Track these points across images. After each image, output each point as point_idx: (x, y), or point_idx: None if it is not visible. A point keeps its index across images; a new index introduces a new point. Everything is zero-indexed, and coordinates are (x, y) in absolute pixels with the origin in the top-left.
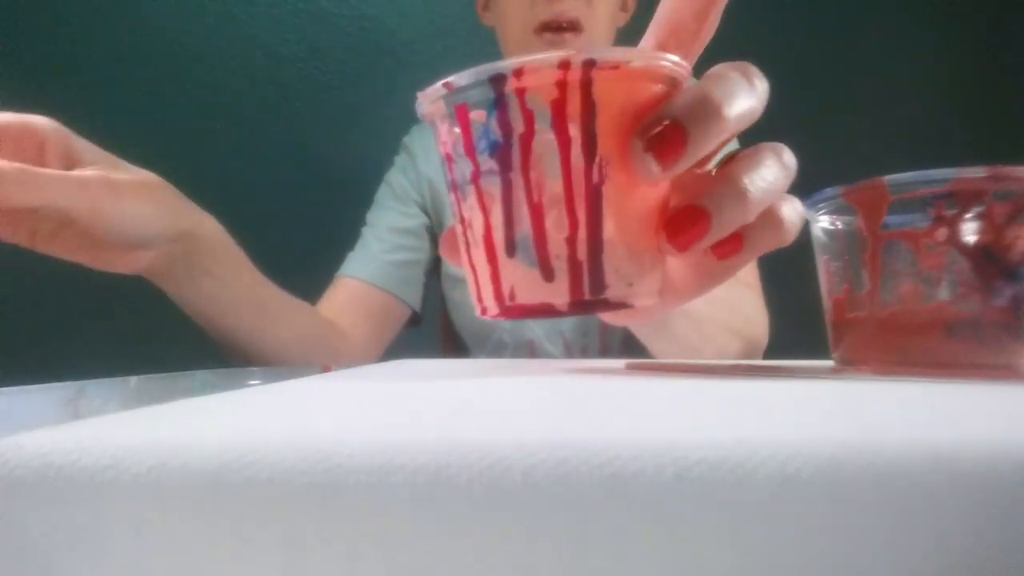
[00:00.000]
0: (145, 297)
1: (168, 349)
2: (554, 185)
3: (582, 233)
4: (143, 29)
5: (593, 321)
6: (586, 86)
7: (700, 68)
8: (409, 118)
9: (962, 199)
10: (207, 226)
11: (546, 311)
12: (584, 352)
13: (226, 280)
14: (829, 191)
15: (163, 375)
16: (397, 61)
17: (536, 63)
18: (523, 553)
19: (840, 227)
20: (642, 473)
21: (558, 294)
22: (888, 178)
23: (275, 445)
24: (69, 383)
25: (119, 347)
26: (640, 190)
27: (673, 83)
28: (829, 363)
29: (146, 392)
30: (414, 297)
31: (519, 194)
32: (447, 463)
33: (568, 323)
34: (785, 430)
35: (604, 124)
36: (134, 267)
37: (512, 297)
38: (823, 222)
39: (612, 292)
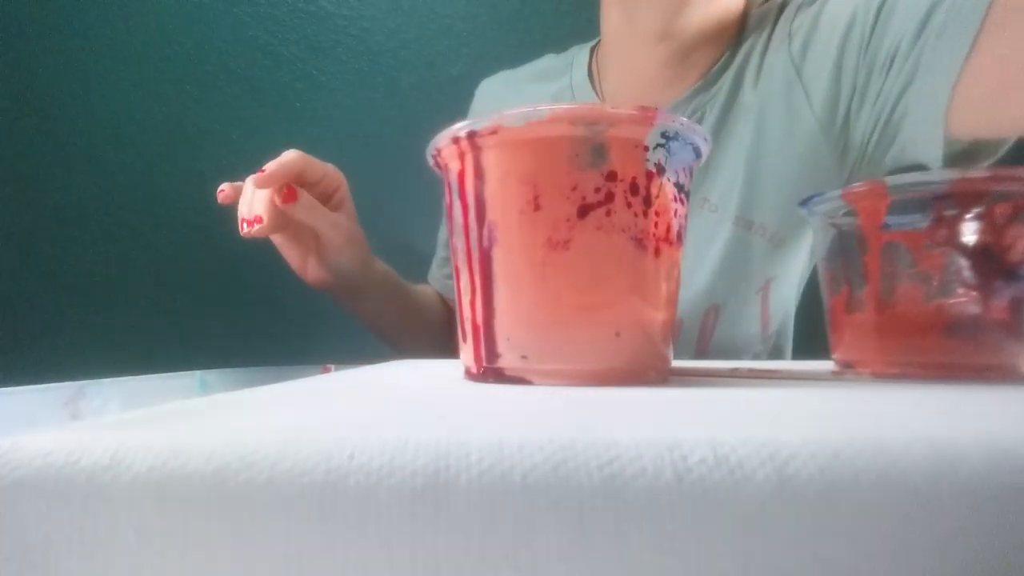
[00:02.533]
0: (145, 297)
1: (168, 349)
2: (462, 250)
3: (478, 297)
4: (142, 29)
5: None
6: (476, 153)
7: None
8: (409, 119)
9: (962, 200)
10: (375, 267)
11: (492, 375)
12: None
13: (379, 301)
14: (829, 191)
15: (163, 375)
16: (397, 61)
17: (441, 140)
18: (523, 554)
19: (840, 227)
20: (642, 473)
21: (469, 358)
22: (888, 178)
23: (274, 446)
24: (69, 383)
25: (119, 347)
26: (533, 255)
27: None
28: (829, 364)
29: (146, 392)
30: None
31: (454, 258)
32: (446, 464)
33: None
34: (785, 431)
35: (492, 189)
36: (323, 285)
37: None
38: (823, 222)
39: (505, 362)
